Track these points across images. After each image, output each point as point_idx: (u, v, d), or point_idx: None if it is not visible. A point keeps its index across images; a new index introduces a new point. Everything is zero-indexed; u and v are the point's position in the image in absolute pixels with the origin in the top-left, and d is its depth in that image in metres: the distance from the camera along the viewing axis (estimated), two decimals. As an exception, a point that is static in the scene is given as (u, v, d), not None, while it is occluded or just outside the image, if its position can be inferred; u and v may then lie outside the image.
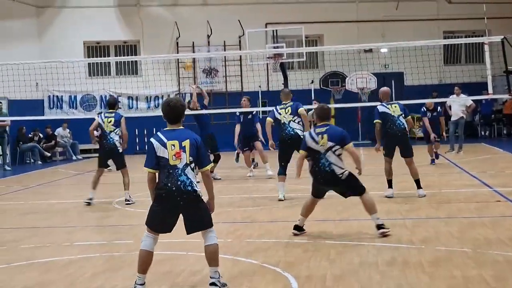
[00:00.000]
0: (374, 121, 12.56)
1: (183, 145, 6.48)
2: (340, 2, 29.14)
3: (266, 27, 28.41)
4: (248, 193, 13.89)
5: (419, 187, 12.47)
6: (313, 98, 25.56)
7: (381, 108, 12.52)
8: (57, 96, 28.36)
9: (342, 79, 27.82)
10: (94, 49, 29.45)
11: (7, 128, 23.31)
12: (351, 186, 9.07)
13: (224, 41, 28.74)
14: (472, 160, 18.60)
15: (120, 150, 13.24)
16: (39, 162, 25.18)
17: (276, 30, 27.85)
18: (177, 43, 28.78)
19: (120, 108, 26.89)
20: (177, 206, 6.46)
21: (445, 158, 19.57)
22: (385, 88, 13.20)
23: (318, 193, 9.26)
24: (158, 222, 6.56)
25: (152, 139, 6.61)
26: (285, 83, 26.79)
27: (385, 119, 12.41)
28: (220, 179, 16.55)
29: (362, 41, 25.05)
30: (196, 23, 28.63)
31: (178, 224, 6.62)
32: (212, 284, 6.52)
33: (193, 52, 28.31)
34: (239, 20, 28.30)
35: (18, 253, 8.76)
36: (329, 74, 28.34)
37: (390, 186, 12.60)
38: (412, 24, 28.49)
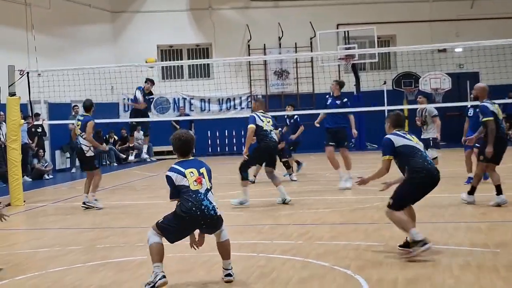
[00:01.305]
0: (485, 119, 11.25)
1: (201, 172, 6.83)
2: (413, 2, 28.78)
3: (337, 28, 28.28)
4: (319, 195, 13.84)
5: (499, 193, 11.38)
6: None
7: (490, 107, 11.35)
8: (131, 99, 28.82)
9: (415, 79, 27.43)
10: (167, 53, 29.91)
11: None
12: None
13: (295, 43, 28.74)
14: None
15: (88, 154, 13.48)
16: (115, 164, 25.69)
17: (348, 31, 27.69)
18: (249, 45, 28.93)
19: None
20: (199, 227, 6.91)
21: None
22: (482, 85, 12.01)
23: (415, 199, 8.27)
24: (173, 237, 6.96)
25: (168, 173, 6.89)
26: (357, 84, 26.64)
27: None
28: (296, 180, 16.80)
29: (435, 41, 24.62)
30: (267, 25, 28.73)
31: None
32: (228, 275, 7.01)
33: (264, 54, 28.41)
34: (310, 22, 28.25)
35: (94, 252, 8.96)
36: (402, 74, 27.99)
37: (472, 193, 11.65)
38: (488, 23, 27.85)
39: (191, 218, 6.74)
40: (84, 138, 13.45)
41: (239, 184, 12.99)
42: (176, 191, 6.82)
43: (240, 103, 28.91)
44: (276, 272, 7.40)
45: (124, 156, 26.46)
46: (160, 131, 21.29)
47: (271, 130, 12.78)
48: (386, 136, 8.21)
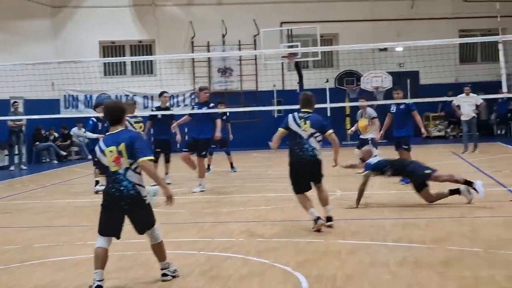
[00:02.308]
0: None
1: (119, 150, 6.69)
2: (355, 1, 29.09)
3: (281, 26, 28.38)
4: (261, 192, 13.90)
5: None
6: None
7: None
8: (72, 96, 28.49)
9: (357, 78, 27.75)
10: (110, 49, 29.57)
11: (23, 128, 23.48)
12: (320, 173, 9.59)
13: (239, 41, 28.75)
14: (487, 159, 18.49)
15: None
16: (55, 161, 25.32)
17: (291, 29, 27.82)
18: (192, 42, 28.83)
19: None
20: (122, 210, 6.73)
21: (459, 157, 19.49)
22: None
23: (302, 187, 9.55)
24: (104, 227, 6.83)
25: (96, 147, 6.94)
26: (300, 82, 26.80)
27: None
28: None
29: (377, 40, 24.88)
30: (211, 22, 28.67)
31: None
32: (164, 274, 7.00)
33: (208, 51, 28.35)
34: (254, 20, 28.29)
35: (31, 252, 8.83)
36: (344, 73, 28.27)
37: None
38: (427, 23, 28.35)
39: (111, 200, 6.71)
40: None
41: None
42: (102, 165, 6.91)
43: (184, 100, 28.77)
44: (216, 270, 7.42)
45: (65, 153, 26.09)
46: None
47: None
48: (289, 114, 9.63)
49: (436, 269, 7.07)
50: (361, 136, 16.38)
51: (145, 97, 28.16)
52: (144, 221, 6.85)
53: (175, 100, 28.50)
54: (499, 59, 14.89)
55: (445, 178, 11.30)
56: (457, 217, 10.20)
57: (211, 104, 14.95)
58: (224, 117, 18.10)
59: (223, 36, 28.87)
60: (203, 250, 8.40)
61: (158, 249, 6.97)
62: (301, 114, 9.62)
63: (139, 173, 6.75)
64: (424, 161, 17.12)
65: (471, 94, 20.44)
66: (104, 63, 28.60)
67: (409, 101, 19.67)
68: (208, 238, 9.19)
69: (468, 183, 11.08)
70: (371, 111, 16.19)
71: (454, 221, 9.86)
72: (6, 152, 24.18)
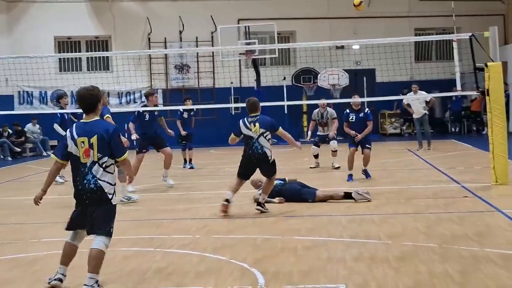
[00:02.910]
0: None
1: (91, 142, 6.35)
2: (313, -1, 29.22)
3: (238, 23, 28.41)
4: (217, 189, 13.86)
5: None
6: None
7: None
8: (27, 92, 28.10)
9: (314, 75, 27.88)
10: (65, 45, 29.21)
11: (-24, 124, 23.07)
12: (272, 170, 10.81)
13: (196, 37, 28.67)
14: (442, 156, 18.74)
15: None
16: (9, 158, 24.92)
17: (248, 27, 27.86)
18: (149, 38, 28.64)
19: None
20: (83, 203, 6.43)
21: (415, 155, 19.72)
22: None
23: (246, 174, 10.91)
24: (71, 221, 6.60)
25: (68, 130, 6.58)
26: (257, 79, 26.84)
27: None
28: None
29: (334, 38, 25.11)
30: (168, 18, 28.52)
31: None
32: None
33: (165, 48, 28.20)
34: (211, 16, 28.24)
35: (-16, 250, 8.68)
36: (301, 70, 28.39)
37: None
38: (384, 21, 28.63)
39: (76, 193, 6.47)
40: None
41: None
42: (64, 152, 6.46)
43: (140, 97, 28.56)
44: (172, 267, 7.38)
45: (19, 150, 25.70)
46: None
47: None
48: (240, 120, 10.92)
49: (392, 264, 7.14)
50: (319, 133, 17.20)
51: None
52: (98, 222, 6.36)
53: (131, 97, 28.30)
54: (454, 57, 15.10)
55: (327, 195, 11.75)
56: (412, 213, 10.31)
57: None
58: (192, 113, 19.06)
59: (180, 32, 28.75)
60: (160, 247, 8.35)
61: (96, 258, 6.30)
62: (250, 119, 10.84)
63: (108, 171, 6.40)
64: (380, 158, 17.40)
65: (420, 92, 20.67)
66: (60, 59, 28.27)
67: (366, 99, 20.18)
68: (165, 235, 9.14)
69: (347, 195, 11.55)
70: (332, 112, 17.10)
71: (409, 217, 9.97)
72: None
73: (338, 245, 8.24)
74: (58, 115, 15.66)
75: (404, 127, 29.11)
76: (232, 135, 11.02)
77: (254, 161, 10.73)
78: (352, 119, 14.83)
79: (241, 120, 10.95)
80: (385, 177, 14.95)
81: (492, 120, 12.76)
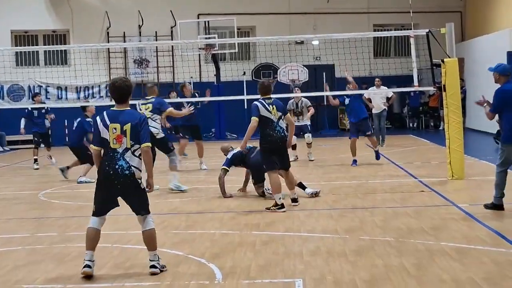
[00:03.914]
0: None
1: (124, 129, 6.69)
2: (273, -6, 29.22)
3: (198, 18, 28.30)
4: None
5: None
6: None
7: None
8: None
9: (274, 70, 27.90)
10: (22, 38, 28.76)
11: None
12: (288, 156, 10.60)
13: (156, 32, 28.46)
14: (399, 151, 18.94)
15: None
16: (-36, 154, 24.49)
17: (208, 21, 27.78)
18: (108, 32, 28.34)
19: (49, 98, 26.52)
20: (115, 190, 6.73)
21: (373, 150, 19.85)
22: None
23: (274, 164, 10.28)
24: (99, 208, 6.87)
25: (97, 118, 6.87)
26: (217, 74, 26.77)
27: None
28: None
29: (293, 33, 25.18)
30: (127, 12, 28.25)
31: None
32: (152, 266, 6.77)
33: (124, 42, 27.96)
34: (171, 11, 28.05)
35: None
36: (261, 65, 28.38)
37: None
38: (343, 17, 28.77)
39: (105, 178, 6.70)
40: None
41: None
42: (99, 139, 6.79)
43: (99, 92, 28.30)
44: (130, 262, 7.36)
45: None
46: (14, 119, 20.42)
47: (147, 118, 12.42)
48: (254, 102, 10.39)
49: (349, 258, 7.21)
50: (297, 124, 16.29)
51: (58, 88, 27.55)
52: (139, 203, 6.88)
53: (90, 91, 28.01)
54: (411, 53, 15.26)
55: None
56: (369, 207, 10.40)
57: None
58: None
59: (140, 27, 28.52)
60: (117, 242, 8.30)
61: (149, 237, 6.86)
62: (268, 101, 10.39)
63: (138, 157, 6.77)
64: (338, 153, 17.54)
65: (382, 87, 20.82)
66: (16, 53, 27.80)
67: (325, 94, 20.50)
68: (122, 231, 9.08)
69: (301, 185, 11.51)
70: (307, 101, 17.56)
71: (366, 211, 10.06)
72: None
73: (296, 239, 8.28)
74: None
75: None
76: (255, 118, 10.25)
77: (281, 144, 10.33)
78: (347, 102, 16.23)
79: (257, 102, 10.39)
80: (343, 172, 15.05)
81: (449, 115, 12.93)
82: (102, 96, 28.10)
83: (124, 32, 28.26)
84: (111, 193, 6.81)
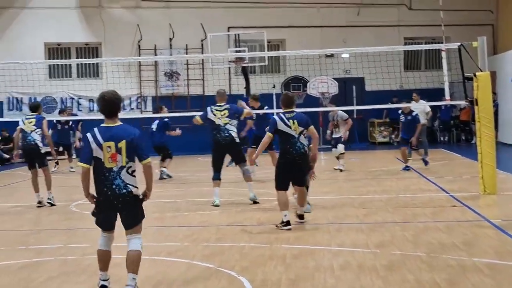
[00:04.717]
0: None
1: (119, 147, 6.36)
2: (303, 7, 29.25)
3: (228, 31, 28.42)
4: (206, 196, 13.84)
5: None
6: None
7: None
8: (16, 98, 27.99)
9: (304, 83, 27.93)
10: (55, 51, 29.14)
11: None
12: (305, 174, 10.16)
13: (186, 45, 28.65)
14: (431, 165, 18.77)
15: (42, 150, 13.37)
16: (-3, 164, 24.82)
17: (239, 34, 27.89)
18: (139, 45, 28.61)
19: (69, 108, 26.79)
20: (115, 208, 6.48)
21: (404, 163, 19.73)
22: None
23: (284, 184, 9.97)
24: (102, 222, 6.62)
25: (88, 134, 6.48)
26: (247, 87, 26.84)
27: None
28: None
29: (323, 46, 25.15)
30: (159, 26, 28.51)
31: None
32: None
33: (155, 55, 28.18)
34: (201, 24, 28.25)
35: (-29, 256, 8.63)
36: (291, 78, 28.44)
37: None
38: (373, 30, 28.75)
39: (105, 200, 6.42)
40: (40, 135, 13.34)
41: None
42: (90, 157, 6.37)
43: (130, 104, 28.54)
44: (160, 275, 7.38)
45: (8, 156, 25.57)
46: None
47: (226, 123, 12.51)
48: (274, 116, 10.17)
49: (379, 273, 7.16)
50: (333, 136, 18.23)
51: (90, 100, 27.82)
52: (135, 216, 6.58)
53: (121, 104, 28.19)
54: (443, 67, 15.18)
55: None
56: (400, 222, 10.34)
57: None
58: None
59: (170, 40, 28.74)
60: (148, 255, 8.31)
61: (136, 257, 6.48)
62: (288, 115, 10.00)
63: (132, 174, 6.44)
64: (369, 167, 17.47)
65: (421, 101, 20.56)
66: (50, 65, 28.19)
67: (355, 108, 20.67)
68: (153, 243, 9.12)
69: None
70: (342, 114, 18.06)
71: (397, 225, 9.99)
72: None
73: (326, 253, 8.25)
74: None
75: (393, 136, 29.17)
76: (269, 134, 10.08)
77: (299, 161, 9.94)
78: (402, 119, 17.77)
79: (276, 116, 10.14)
80: (373, 186, 14.98)
81: (481, 129, 12.81)
82: (133, 108, 28.35)
83: (155, 45, 28.49)
84: (113, 211, 6.53)
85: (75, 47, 29.24)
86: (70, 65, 28.69)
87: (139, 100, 28.44)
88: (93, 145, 6.37)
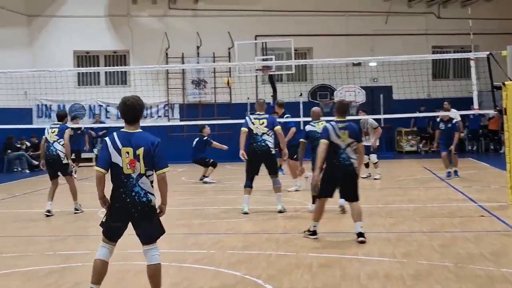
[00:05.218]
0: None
1: (137, 154, 6.19)
2: (330, 16, 29.24)
3: (255, 39, 28.48)
4: (233, 204, 13.87)
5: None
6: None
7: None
8: (45, 105, 28.30)
9: (331, 92, 27.90)
10: (84, 59, 29.43)
11: (-6, 136, 23.33)
12: (355, 188, 9.62)
13: (214, 53, 28.78)
14: (459, 174, 18.63)
15: (64, 161, 13.26)
16: (27, 171, 25.08)
17: (266, 43, 27.94)
18: (167, 53, 28.80)
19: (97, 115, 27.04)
20: (131, 216, 6.27)
21: (431, 173, 19.62)
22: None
23: (328, 191, 9.60)
24: (110, 231, 6.40)
25: (107, 139, 6.35)
26: (274, 95, 26.85)
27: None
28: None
29: (351, 55, 25.06)
30: (186, 34, 28.69)
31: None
32: None
33: (183, 63, 28.34)
34: (228, 32, 28.37)
35: (0, 261, 8.72)
36: (318, 87, 28.43)
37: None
38: (401, 38, 28.65)
39: (121, 206, 6.21)
40: (62, 145, 13.26)
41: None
42: (106, 161, 6.22)
43: (157, 112, 28.73)
44: (187, 282, 7.40)
45: (37, 162, 25.81)
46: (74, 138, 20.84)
47: (263, 133, 12.53)
48: (326, 124, 9.68)
49: (406, 282, 7.11)
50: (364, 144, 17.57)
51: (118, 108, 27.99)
52: (153, 230, 6.38)
53: (149, 111, 28.43)
54: (471, 76, 15.07)
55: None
56: (428, 231, 10.26)
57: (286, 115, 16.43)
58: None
59: (198, 48, 28.89)
60: (174, 261, 8.36)
61: (157, 271, 6.35)
62: (340, 125, 9.59)
63: (152, 184, 6.29)
64: (396, 176, 17.36)
65: (453, 110, 20.30)
66: (78, 73, 28.50)
67: (382, 116, 20.68)
68: (180, 250, 9.15)
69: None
70: (372, 122, 18.25)
71: (424, 235, 9.92)
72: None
73: (353, 262, 8.21)
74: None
75: (421, 145, 29.00)
76: (324, 141, 9.56)
77: (346, 174, 9.49)
78: (442, 127, 17.72)
79: (329, 125, 9.64)
80: (400, 195, 14.89)
81: (510, 139, 12.68)
82: (160, 116, 28.51)
83: (182, 53, 28.67)
84: (126, 221, 6.32)
85: (103, 55, 29.52)
86: (98, 72, 29.00)
87: (166, 108, 28.61)
88: (111, 150, 6.22)
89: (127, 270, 7.93)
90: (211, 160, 19.01)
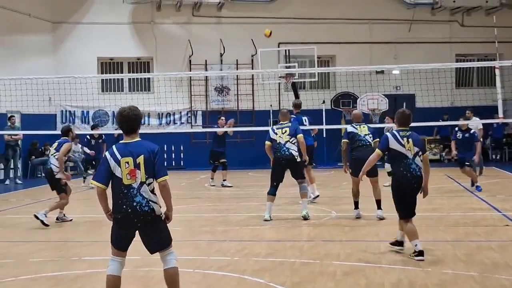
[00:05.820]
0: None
1: (137, 162, 6.17)
2: (353, 23, 29.25)
3: (278, 46, 28.54)
4: (257, 211, 13.90)
5: (379, 207, 12.37)
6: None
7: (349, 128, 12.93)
8: (69, 111, 28.55)
9: (354, 99, 27.87)
10: (108, 65, 29.67)
11: (19, 142, 23.55)
12: (415, 202, 9.10)
13: (237, 60, 28.90)
14: (482, 183, 18.49)
15: (57, 176, 13.10)
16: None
17: (289, 50, 28.00)
18: (190, 60, 28.95)
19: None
20: (134, 226, 6.25)
21: (455, 181, 19.52)
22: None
23: (410, 209, 9.00)
24: (117, 240, 6.36)
25: (106, 153, 6.32)
26: (297, 103, 26.84)
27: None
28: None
29: (374, 63, 25.12)
30: (209, 41, 28.83)
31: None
32: None
33: (206, 70, 28.47)
34: (252, 39, 28.45)
35: (26, 266, 8.81)
36: (341, 94, 28.42)
37: (356, 207, 12.65)
38: (424, 47, 28.58)
39: (123, 218, 6.18)
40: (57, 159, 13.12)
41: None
42: (105, 176, 6.21)
43: (180, 118, 28.87)
44: (211, 288, 7.43)
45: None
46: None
47: (286, 142, 12.61)
48: (386, 133, 9.23)
49: (431, 292, 7.10)
50: None
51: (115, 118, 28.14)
52: (160, 239, 6.34)
53: (172, 118, 28.58)
54: (496, 84, 15.02)
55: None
56: (452, 240, 10.22)
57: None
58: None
59: (221, 55, 29.02)
60: (198, 268, 8.41)
61: (174, 275, 6.29)
62: (402, 133, 9.09)
63: (153, 192, 6.25)
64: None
65: (474, 118, 20.18)
66: (102, 79, 28.73)
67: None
68: (204, 257, 9.20)
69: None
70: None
71: (449, 244, 9.88)
72: (1, 166, 24.21)
73: (377, 271, 8.20)
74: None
75: (444, 153, 28.87)
76: (378, 151, 9.25)
77: (415, 186, 8.93)
78: (459, 136, 16.83)
79: (388, 133, 9.19)
80: (424, 204, 14.74)
81: (535, 148, 12.61)
82: (183, 123, 28.64)
83: (205, 60, 28.81)
84: (131, 231, 6.28)
85: (127, 61, 29.73)
86: (122, 79, 29.22)
87: (189, 115, 28.74)
88: (112, 162, 6.19)
89: (150, 277, 7.98)
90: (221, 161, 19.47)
